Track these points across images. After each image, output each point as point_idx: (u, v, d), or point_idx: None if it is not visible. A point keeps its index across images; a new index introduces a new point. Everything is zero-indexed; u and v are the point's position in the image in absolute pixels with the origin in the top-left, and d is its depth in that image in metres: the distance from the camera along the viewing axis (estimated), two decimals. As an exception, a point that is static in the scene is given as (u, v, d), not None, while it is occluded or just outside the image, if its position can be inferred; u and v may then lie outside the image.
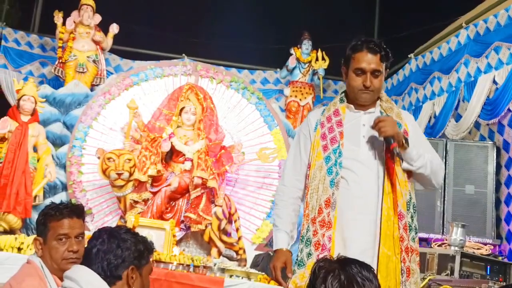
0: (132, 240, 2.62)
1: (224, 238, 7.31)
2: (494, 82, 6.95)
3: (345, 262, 2.02)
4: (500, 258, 5.96)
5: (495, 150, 6.89)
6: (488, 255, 5.94)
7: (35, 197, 7.05)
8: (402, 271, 2.97)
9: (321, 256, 2.89)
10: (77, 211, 3.04)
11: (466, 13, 8.05)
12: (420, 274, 5.23)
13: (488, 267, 5.63)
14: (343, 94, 3.29)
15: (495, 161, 6.86)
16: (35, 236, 3.03)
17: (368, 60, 3.10)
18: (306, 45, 9.71)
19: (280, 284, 3.07)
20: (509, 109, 6.59)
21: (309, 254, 3.01)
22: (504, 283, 5.43)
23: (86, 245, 2.70)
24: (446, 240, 5.86)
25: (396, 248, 2.98)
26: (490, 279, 5.45)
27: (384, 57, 3.15)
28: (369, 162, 3.09)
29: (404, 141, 3.03)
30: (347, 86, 3.22)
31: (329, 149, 3.11)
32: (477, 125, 7.29)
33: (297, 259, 3.07)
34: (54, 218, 2.95)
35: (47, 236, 2.93)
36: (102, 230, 2.67)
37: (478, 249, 6.04)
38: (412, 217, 3.06)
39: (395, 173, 3.06)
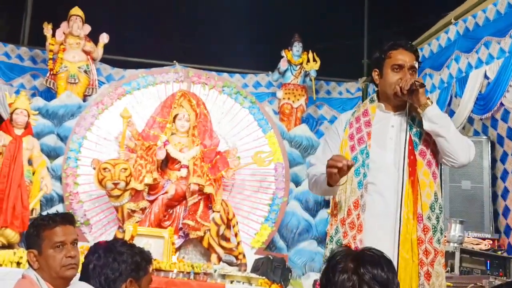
0: (129, 252, 2.61)
1: (223, 243, 7.31)
2: (486, 77, 6.98)
3: (361, 262, 2.03)
4: (499, 252, 5.98)
5: (490, 145, 6.91)
6: (487, 250, 5.96)
7: (32, 210, 7.02)
8: (420, 275, 2.97)
9: None
10: (69, 218, 3.09)
11: (455, 9, 8.07)
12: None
13: (488, 262, 5.65)
14: (374, 95, 3.33)
15: (490, 155, 6.88)
16: (28, 250, 3.02)
17: (405, 56, 3.18)
18: (297, 47, 9.72)
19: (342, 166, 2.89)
20: (501, 103, 6.61)
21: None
22: (505, 278, 5.45)
23: (82, 260, 2.70)
24: (445, 236, 5.87)
25: (414, 251, 2.98)
26: (490, 274, 5.47)
27: (418, 56, 3.26)
28: (393, 165, 3.09)
29: (428, 98, 3.09)
30: (382, 86, 3.24)
31: (356, 149, 3.14)
32: (470, 120, 7.31)
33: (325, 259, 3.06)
34: (47, 227, 2.97)
35: (42, 246, 2.94)
36: (97, 245, 2.67)
37: (477, 244, 6.05)
38: (437, 218, 3.06)
39: (416, 176, 3.07)
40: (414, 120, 3.18)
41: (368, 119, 3.20)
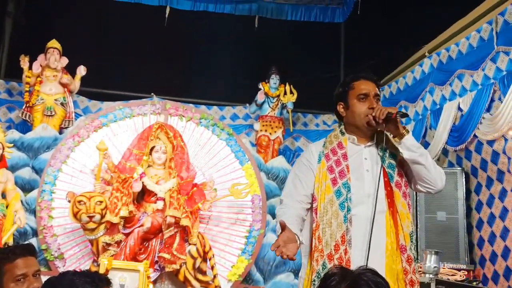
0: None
1: (200, 276, 7.23)
2: (459, 109, 7.08)
3: (356, 283, 1.98)
4: (474, 283, 6.00)
5: (464, 176, 6.98)
6: (463, 280, 5.97)
7: (5, 244, 6.90)
8: None
9: None
10: (29, 249, 3.01)
11: (429, 43, 8.22)
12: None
13: (463, 293, 5.66)
14: (342, 127, 3.33)
15: (464, 186, 6.95)
16: None
17: (369, 85, 3.24)
18: (274, 79, 9.79)
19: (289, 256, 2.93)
20: (475, 135, 6.70)
21: None
22: (480, 309, 5.46)
23: None
24: (421, 268, 5.87)
25: (400, 282, 2.98)
26: (466, 305, 5.48)
27: (379, 85, 3.33)
28: (373, 197, 3.10)
29: (404, 128, 3.12)
30: (349, 117, 3.27)
31: (338, 183, 3.13)
32: (445, 152, 7.39)
33: None
34: (7, 261, 2.89)
35: (3, 280, 2.86)
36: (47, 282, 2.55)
37: (452, 275, 6.07)
38: (415, 248, 3.11)
39: (395, 207, 3.09)
40: (385, 152, 3.20)
41: (345, 152, 3.21)
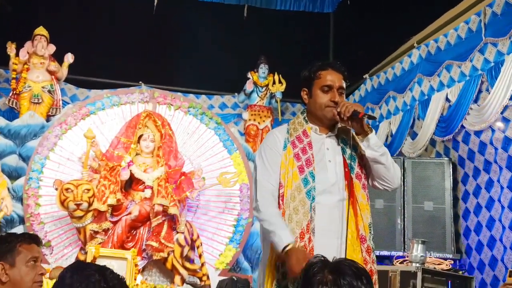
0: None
1: (187, 265, 7.24)
2: (447, 99, 7.11)
3: (340, 273, 1.99)
4: (460, 272, 6.05)
5: (451, 166, 7.03)
6: (449, 270, 6.02)
7: (-8, 231, 6.90)
8: None
9: None
10: (38, 238, 3.14)
11: (418, 34, 8.23)
12: (383, 292, 5.29)
13: (449, 282, 5.71)
14: (305, 115, 3.32)
15: (451, 177, 6.99)
16: None
17: (334, 77, 3.21)
18: (263, 69, 9.80)
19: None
20: (462, 126, 6.73)
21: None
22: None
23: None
24: (408, 257, 5.91)
25: None
26: (452, 293, 5.52)
27: (346, 76, 3.27)
28: (335, 187, 3.13)
29: (368, 126, 3.12)
30: (311, 106, 3.26)
31: (305, 171, 3.13)
32: (432, 142, 7.42)
33: (278, 284, 3.04)
34: (24, 242, 2.98)
35: (16, 259, 2.92)
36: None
37: (438, 264, 6.11)
38: (372, 239, 3.13)
39: (355, 197, 3.13)
40: (346, 143, 3.23)
41: (310, 141, 3.21)
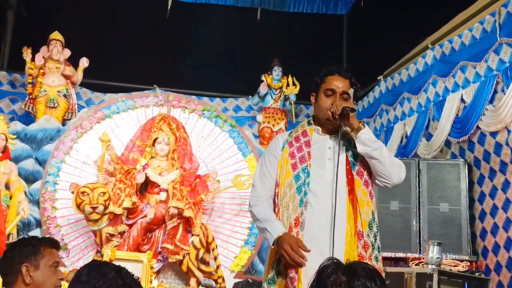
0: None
1: (203, 267, 7.27)
2: (462, 100, 7.06)
3: (353, 274, 2.01)
4: (477, 274, 6.00)
5: (467, 168, 6.98)
6: (465, 271, 5.98)
7: (9, 235, 6.93)
8: None
9: (291, 275, 2.99)
10: (59, 244, 3.20)
11: (432, 34, 8.20)
12: (399, 293, 5.27)
13: (466, 283, 5.66)
14: (311, 118, 3.43)
15: (467, 178, 6.94)
16: (22, 263, 2.96)
17: (338, 82, 3.28)
18: (277, 71, 9.80)
19: (299, 263, 2.97)
20: (478, 127, 6.69)
21: (278, 273, 3.07)
22: (482, 299, 5.47)
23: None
24: (423, 259, 5.89)
25: None
26: (468, 295, 5.49)
27: (353, 82, 3.33)
28: (333, 184, 3.16)
29: (360, 122, 3.19)
30: (316, 109, 3.36)
31: (298, 167, 3.21)
32: (448, 144, 7.38)
33: (267, 277, 3.10)
34: (47, 246, 3.03)
35: (40, 263, 2.96)
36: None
37: (455, 266, 6.07)
38: (375, 236, 3.17)
39: (355, 194, 3.17)
40: (350, 142, 3.30)
41: (308, 140, 3.30)
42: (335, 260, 2.11)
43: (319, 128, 3.33)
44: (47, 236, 3.29)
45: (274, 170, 3.29)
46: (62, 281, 3.03)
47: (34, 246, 3.00)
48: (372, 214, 3.19)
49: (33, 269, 2.94)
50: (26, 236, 3.22)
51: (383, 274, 3.15)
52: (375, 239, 3.15)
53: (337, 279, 2.00)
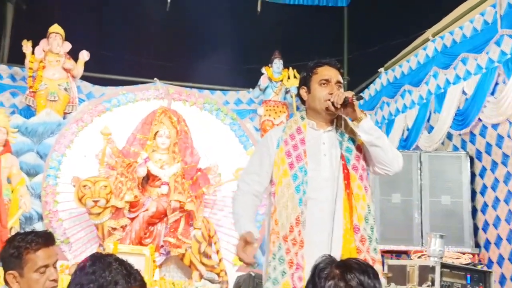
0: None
1: (205, 260, 7.28)
2: (463, 92, 7.05)
3: (346, 268, 2.03)
4: (479, 266, 6.00)
5: (469, 160, 6.97)
6: (468, 264, 5.98)
7: (11, 228, 6.94)
8: None
9: (296, 274, 3.01)
10: (51, 238, 2.96)
11: (433, 26, 8.18)
12: (402, 286, 5.27)
13: (468, 276, 5.66)
14: (303, 112, 3.40)
15: (469, 170, 6.93)
16: (7, 271, 2.84)
17: (331, 72, 3.30)
18: (277, 64, 9.77)
19: (247, 262, 3.06)
20: (479, 119, 6.68)
21: (283, 273, 3.06)
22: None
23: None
24: (425, 251, 5.89)
25: None
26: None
27: (342, 73, 3.37)
28: (330, 181, 3.18)
29: (362, 111, 3.18)
30: (310, 101, 3.32)
31: (295, 167, 3.20)
32: (449, 136, 7.37)
33: (269, 277, 3.09)
34: (30, 250, 2.83)
35: (24, 269, 2.80)
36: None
37: (457, 258, 6.07)
38: (372, 228, 3.18)
39: (351, 189, 3.18)
40: (343, 136, 3.29)
41: (303, 137, 3.27)
42: (328, 256, 2.14)
43: (314, 122, 3.31)
44: (41, 231, 3.05)
45: (260, 166, 3.29)
46: (54, 282, 2.84)
47: (17, 249, 2.83)
48: (368, 207, 3.19)
49: (19, 276, 2.82)
50: (20, 232, 3.07)
51: (385, 267, 3.16)
52: (372, 232, 3.16)
53: (331, 272, 2.02)
